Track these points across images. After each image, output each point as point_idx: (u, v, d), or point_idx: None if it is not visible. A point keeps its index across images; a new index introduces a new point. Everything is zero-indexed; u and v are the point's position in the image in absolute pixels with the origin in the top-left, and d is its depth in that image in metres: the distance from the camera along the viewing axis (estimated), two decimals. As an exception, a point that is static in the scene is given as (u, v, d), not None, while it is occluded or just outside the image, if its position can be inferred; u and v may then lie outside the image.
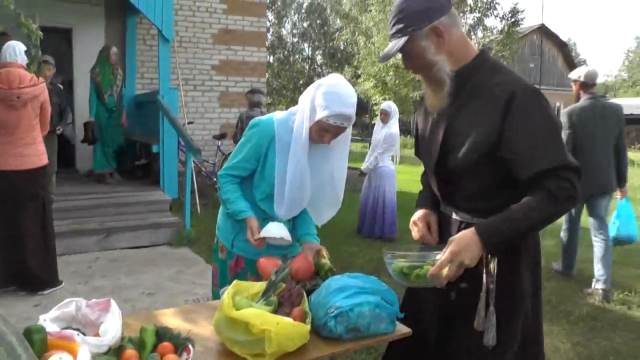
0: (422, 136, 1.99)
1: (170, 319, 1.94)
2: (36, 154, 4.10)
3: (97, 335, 1.62)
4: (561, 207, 1.63)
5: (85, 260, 5.13)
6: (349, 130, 2.31)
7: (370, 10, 24.32)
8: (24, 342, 1.44)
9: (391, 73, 22.17)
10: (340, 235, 6.30)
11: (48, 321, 1.62)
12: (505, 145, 1.65)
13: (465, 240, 1.62)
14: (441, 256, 1.65)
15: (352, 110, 2.15)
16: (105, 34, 8.33)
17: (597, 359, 3.44)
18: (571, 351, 3.51)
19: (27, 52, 3.49)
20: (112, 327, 1.65)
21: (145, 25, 8.38)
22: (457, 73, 1.75)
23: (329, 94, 2.14)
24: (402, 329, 1.97)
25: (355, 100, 2.18)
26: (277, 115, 2.35)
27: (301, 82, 32.05)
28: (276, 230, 2.23)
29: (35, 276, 4.12)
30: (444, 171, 1.85)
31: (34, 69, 3.39)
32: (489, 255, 1.69)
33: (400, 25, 1.74)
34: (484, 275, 1.72)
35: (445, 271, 1.63)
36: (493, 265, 1.71)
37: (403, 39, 1.73)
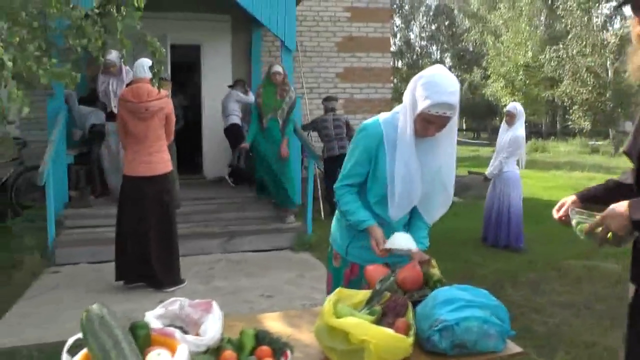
0: None
1: (273, 323, 1.93)
2: (162, 161, 4.41)
3: (197, 334, 1.66)
4: None
5: (208, 262, 5.37)
6: (454, 121, 2.21)
7: (499, 8, 23.27)
8: (128, 336, 1.51)
9: (521, 73, 21.01)
10: (463, 243, 6.03)
11: (152, 317, 1.69)
12: None
13: (617, 209, 1.62)
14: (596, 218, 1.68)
15: (453, 99, 2.08)
16: (232, 49, 8.78)
17: None
18: None
19: (150, 68, 3.78)
20: (212, 328, 1.67)
21: (270, 37, 8.67)
22: None
23: (429, 84, 2.08)
24: (513, 348, 1.79)
25: (456, 88, 2.10)
26: (382, 116, 2.31)
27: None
28: (404, 242, 2.20)
29: (160, 274, 4.41)
30: None
31: (156, 83, 3.67)
32: None
33: None
34: None
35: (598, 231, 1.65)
36: None
37: None
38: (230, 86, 7.87)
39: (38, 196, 6.46)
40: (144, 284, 4.49)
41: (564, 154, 19.98)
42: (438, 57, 35.16)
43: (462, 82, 31.85)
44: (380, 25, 9.61)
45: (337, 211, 2.51)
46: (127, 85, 5.56)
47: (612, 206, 1.65)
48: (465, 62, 32.76)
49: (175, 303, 1.76)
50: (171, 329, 1.61)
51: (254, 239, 5.83)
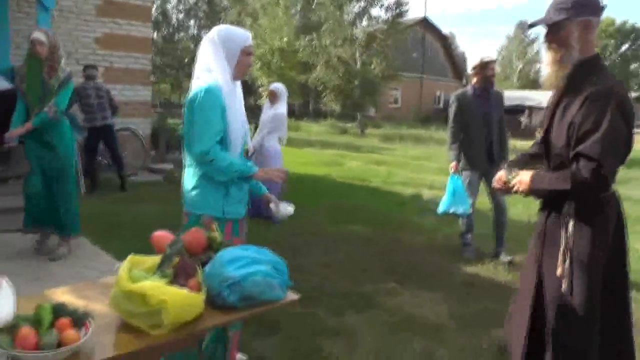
0: None
1: (64, 298, 1.93)
2: None
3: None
4: (572, 187, 2.13)
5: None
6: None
7: (258, -7, 24.22)
8: None
9: (277, 56, 22.33)
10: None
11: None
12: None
13: (526, 175, 2.34)
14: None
15: None
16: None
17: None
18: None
19: None
20: (5, 305, 1.63)
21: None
22: (580, 63, 2.21)
23: (229, 29, 2.60)
24: (291, 296, 2.13)
25: None
26: (207, 80, 2.51)
27: (186, 60, 31.14)
28: (291, 208, 2.83)
29: None
30: None
31: None
32: (567, 217, 2.24)
33: (566, 6, 2.20)
34: (562, 232, 2.25)
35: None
36: (571, 226, 2.22)
37: (561, 17, 2.20)
38: None
39: None
40: None
41: (315, 134, 21.91)
42: (196, 32, 34.85)
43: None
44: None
45: (196, 177, 2.61)
46: None
47: (523, 172, 2.38)
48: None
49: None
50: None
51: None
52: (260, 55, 22.48)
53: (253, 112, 11.23)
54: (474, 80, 5.14)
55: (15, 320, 1.58)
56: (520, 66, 49.86)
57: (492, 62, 5.08)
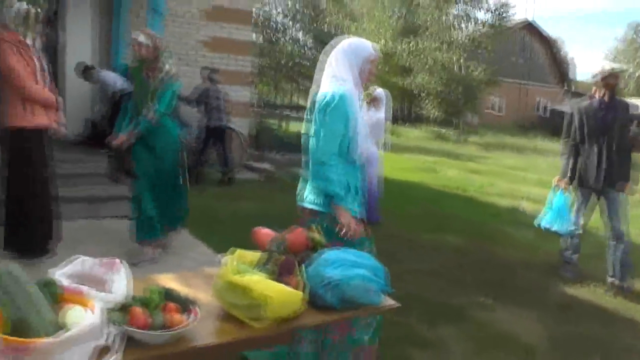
0: None
1: (172, 284, 2.02)
2: None
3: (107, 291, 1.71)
4: None
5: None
6: None
7: (360, -3, 24.37)
8: (39, 292, 1.53)
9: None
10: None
11: (58, 275, 1.70)
12: None
13: None
14: None
15: None
16: (97, 6, 8.24)
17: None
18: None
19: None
20: (121, 286, 1.74)
21: (135, -1, 8.33)
22: None
23: (357, 40, 2.76)
24: (389, 302, 2.11)
25: None
26: (335, 88, 2.61)
27: (287, 63, 31.88)
28: None
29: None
30: None
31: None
32: None
33: None
34: None
35: None
36: None
37: None
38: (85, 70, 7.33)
39: None
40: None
41: (414, 139, 21.67)
42: (296, 35, 35.56)
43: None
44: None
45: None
46: None
47: None
48: (324, 44, 33.53)
49: (81, 262, 1.78)
50: (81, 286, 1.65)
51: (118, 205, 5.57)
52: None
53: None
54: (598, 90, 4.69)
55: (128, 300, 1.67)
56: (631, 70, 45.63)
57: (620, 71, 4.68)
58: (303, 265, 2.07)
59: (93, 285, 1.74)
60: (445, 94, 22.65)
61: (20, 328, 1.40)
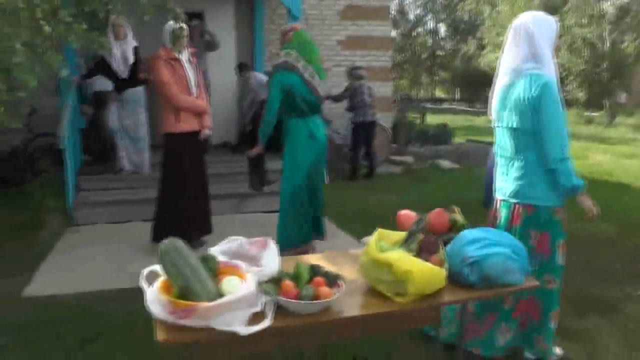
0: None
1: (320, 263, 2.12)
2: None
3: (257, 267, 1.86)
4: None
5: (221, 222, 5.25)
6: None
7: (496, -22, 23.18)
8: (201, 264, 1.71)
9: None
10: (465, 207, 6.23)
11: (217, 252, 1.88)
12: None
13: None
14: None
15: None
16: (235, 17, 8.77)
17: None
18: None
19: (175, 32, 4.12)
20: (271, 261, 1.88)
21: (271, 4, 8.73)
22: None
23: (538, 14, 2.47)
24: (531, 282, 2.02)
25: None
26: (543, 74, 2.37)
27: (424, 56, 31.44)
28: None
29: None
30: None
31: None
32: None
33: None
34: None
35: None
36: None
37: None
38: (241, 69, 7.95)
39: (51, 161, 6.59)
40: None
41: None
42: (433, 26, 34.92)
43: (456, 52, 31.68)
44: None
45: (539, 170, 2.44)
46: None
47: None
48: (459, 32, 32.61)
49: (235, 241, 1.95)
50: (236, 261, 1.80)
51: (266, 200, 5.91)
52: (500, 43, 21.55)
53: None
54: None
55: (279, 274, 1.80)
56: None
57: None
58: (442, 244, 2.05)
59: (246, 261, 1.89)
60: (591, 73, 20.56)
61: (187, 294, 1.59)
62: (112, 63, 5.90)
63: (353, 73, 8.14)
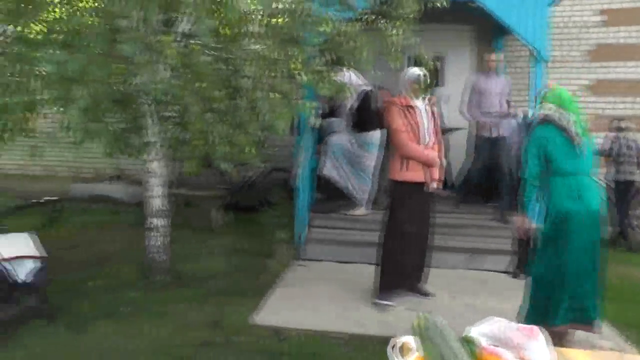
0: None
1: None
2: None
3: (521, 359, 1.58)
4: None
5: (451, 276, 5.12)
6: None
7: None
8: (463, 349, 1.51)
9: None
10: None
11: (478, 334, 1.66)
12: None
13: None
14: None
15: None
16: (471, 60, 8.53)
17: None
18: None
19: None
20: (539, 355, 1.59)
21: (510, 47, 8.28)
22: None
23: None
24: None
25: None
26: None
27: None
28: None
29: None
30: None
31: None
32: None
33: None
34: None
35: None
36: None
37: None
38: None
39: (284, 195, 7.05)
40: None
41: None
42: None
43: None
44: (637, 29, 8.52)
45: None
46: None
47: None
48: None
49: (496, 323, 1.71)
50: (501, 349, 1.56)
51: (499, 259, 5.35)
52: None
53: None
54: None
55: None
56: None
57: None
58: None
59: (506, 349, 1.63)
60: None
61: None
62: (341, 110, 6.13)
63: (616, 125, 7.37)
